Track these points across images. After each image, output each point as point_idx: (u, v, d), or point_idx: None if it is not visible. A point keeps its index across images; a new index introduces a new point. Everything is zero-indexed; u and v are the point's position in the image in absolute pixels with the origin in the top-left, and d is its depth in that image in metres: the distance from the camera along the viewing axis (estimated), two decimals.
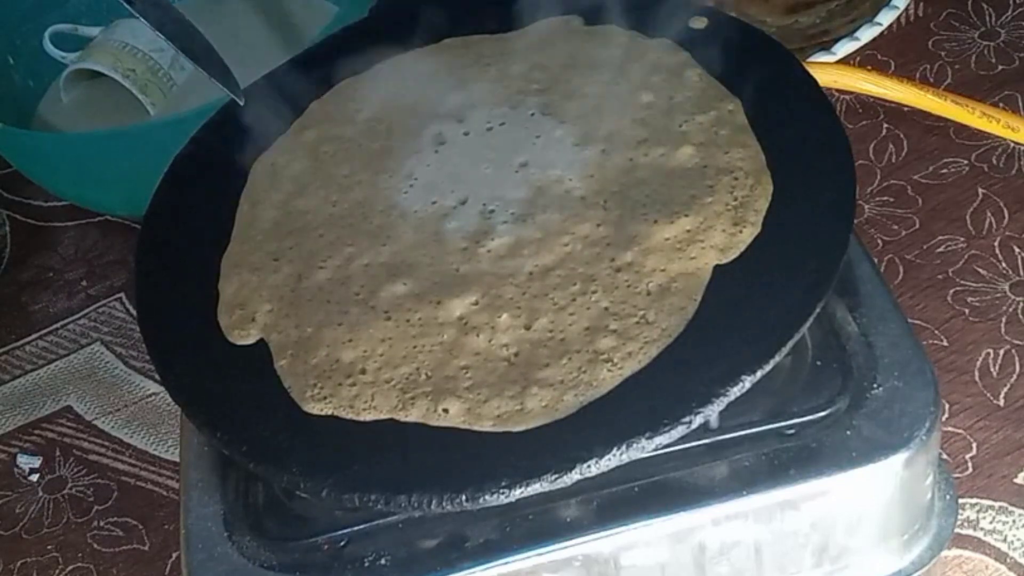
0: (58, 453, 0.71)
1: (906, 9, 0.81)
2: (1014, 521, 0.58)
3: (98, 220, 0.84)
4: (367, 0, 0.65)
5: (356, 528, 0.47)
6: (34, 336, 0.78)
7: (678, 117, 0.54)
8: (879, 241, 0.71)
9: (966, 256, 0.69)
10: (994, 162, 0.74)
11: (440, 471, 0.44)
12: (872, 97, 0.77)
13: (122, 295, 0.80)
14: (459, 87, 0.58)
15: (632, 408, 0.44)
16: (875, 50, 0.81)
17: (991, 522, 0.59)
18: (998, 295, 0.67)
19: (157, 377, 0.58)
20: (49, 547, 0.67)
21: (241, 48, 0.85)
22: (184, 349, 0.50)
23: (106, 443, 0.71)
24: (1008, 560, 0.57)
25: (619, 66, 0.57)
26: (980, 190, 0.73)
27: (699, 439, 0.46)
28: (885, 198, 0.73)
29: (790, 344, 0.45)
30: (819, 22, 0.83)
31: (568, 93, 0.56)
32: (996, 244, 0.70)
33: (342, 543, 0.47)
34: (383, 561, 0.46)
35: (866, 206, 0.73)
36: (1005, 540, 0.58)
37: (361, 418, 0.46)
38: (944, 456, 0.60)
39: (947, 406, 0.63)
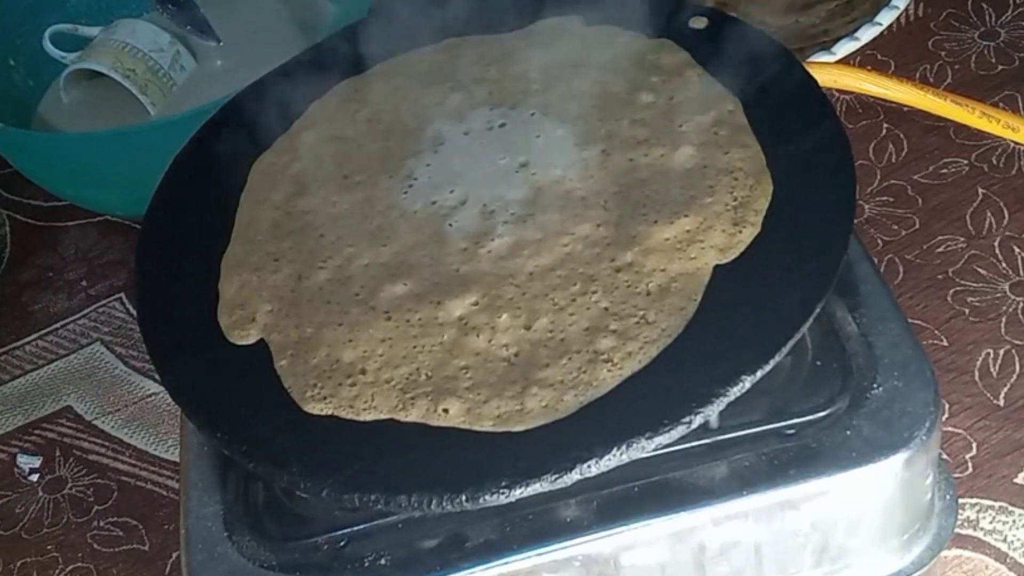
0: (58, 453, 0.71)
1: (906, 9, 0.81)
2: (1014, 521, 0.58)
3: (98, 220, 0.84)
4: (367, 0, 0.65)
5: (356, 528, 0.47)
6: (34, 336, 0.78)
7: (678, 117, 0.54)
8: (879, 241, 0.71)
9: (966, 256, 0.69)
10: (994, 162, 0.74)
11: (440, 471, 0.44)
12: (872, 97, 0.77)
13: (122, 295, 0.80)
14: (459, 87, 0.58)
15: (632, 408, 0.44)
16: (875, 50, 0.81)
17: (991, 522, 0.59)
18: (998, 295, 0.67)
19: (157, 377, 0.58)
20: (49, 547, 0.67)
21: (241, 48, 0.85)
22: (184, 349, 0.50)
23: (106, 443, 0.71)
24: (1008, 560, 0.57)
25: (619, 66, 0.57)
26: (980, 190, 0.73)
27: (699, 439, 0.46)
28: (885, 198, 0.73)
29: (790, 344, 0.45)
30: (819, 22, 0.83)
31: (568, 93, 0.56)
32: (996, 244, 0.70)
33: (342, 543, 0.47)
34: (383, 561, 0.46)
35: (866, 206, 0.73)
36: (1005, 540, 0.58)
37: (361, 418, 0.46)
38: (944, 456, 0.60)
39: (947, 406, 0.63)
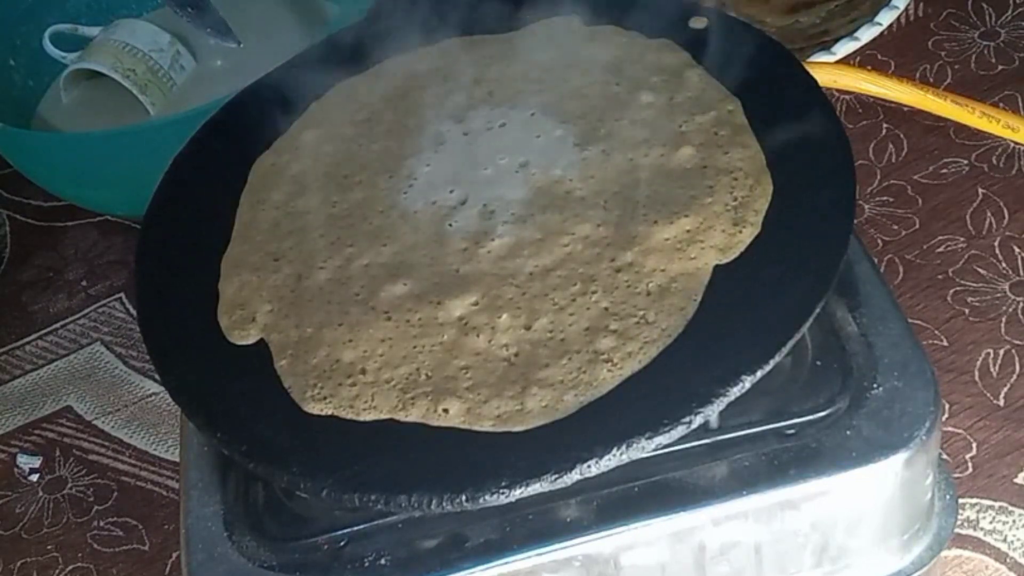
0: (58, 453, 0.71)
1: (906, 9, 0.81)
2: (1014, 521, 0.58)
3: (98, 220, 0.85)
4: (367, 0, 0.65)
5: (356, 528, 0.47)
6: (34, 336, 0.78)
7: (678, 117, 0.54)
8: (879, 241, 0.71)
9: (966, 256, 0.69)
10: (994, 162, 0.74)
11: (440, 471, 0.44)
12: (872, 97, 0.77)
13: (122, 295, 0.80)
14: (459, 87, 0.58)
15: (632, 408, 0.44)
16: (875, 50, 0.81)
17: (991, 522, 0.59)
18: (998, 295, 0.67)
19: (157, 377, 0.58)
20: (49, 547, 0.67)
21: (241, 49, 0.85)
22: (184, 349, 0.50)
23: (106, 443, 0.71)
24: (1008, 560, 0.57)
25: (619, 66, 0.57)
26: (980, 190, 0.73)
27: (699, 439, 0.46)
28: (885, 198, 0.73)
29: (790, 344, 0.45)
30: (819, 22, 0.83)
31: (568, 93, 0.56)
32: (996, 244, 0.70)
33: (342, 543, 0.47)
34: (383, 561, 0.46)
35: (866, 206, 0.73)
36: (1005, 540, 0.58)
37: (361, 418, 0.46)
38: (944, 456, 0.60)
39: (947, 406, 0.63)
